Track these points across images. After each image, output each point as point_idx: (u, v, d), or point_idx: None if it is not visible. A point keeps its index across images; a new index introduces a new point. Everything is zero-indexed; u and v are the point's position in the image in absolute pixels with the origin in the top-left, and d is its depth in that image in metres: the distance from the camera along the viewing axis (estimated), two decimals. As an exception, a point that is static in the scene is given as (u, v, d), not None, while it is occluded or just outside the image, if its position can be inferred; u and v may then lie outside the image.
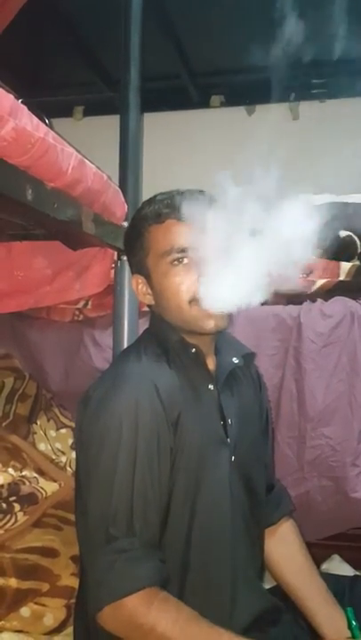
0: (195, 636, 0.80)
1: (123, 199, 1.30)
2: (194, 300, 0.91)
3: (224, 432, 0.96)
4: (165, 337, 0.97)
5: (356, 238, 1.65)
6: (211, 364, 1.01)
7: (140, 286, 1.00)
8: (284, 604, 1.02)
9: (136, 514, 0.83)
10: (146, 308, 1.48)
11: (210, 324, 0.92)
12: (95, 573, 0.83)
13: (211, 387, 0.98)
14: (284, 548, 1.08)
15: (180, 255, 0.92)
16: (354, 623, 0.95)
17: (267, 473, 1.09)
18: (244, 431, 0.99)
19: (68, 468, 1.54)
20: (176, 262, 0.92)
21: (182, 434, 0.89)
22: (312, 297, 1.61)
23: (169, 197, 0.94)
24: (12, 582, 1.14)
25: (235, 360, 1.02)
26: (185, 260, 0.92)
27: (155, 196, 0.98)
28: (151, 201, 0.97)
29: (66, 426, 1.66)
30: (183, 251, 0.91)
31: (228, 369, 1.00)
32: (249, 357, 1.08)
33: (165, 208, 0.93)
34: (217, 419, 0.96)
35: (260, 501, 1.03)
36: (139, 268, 0.99)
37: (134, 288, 1.01)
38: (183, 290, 0.91)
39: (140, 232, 0.96)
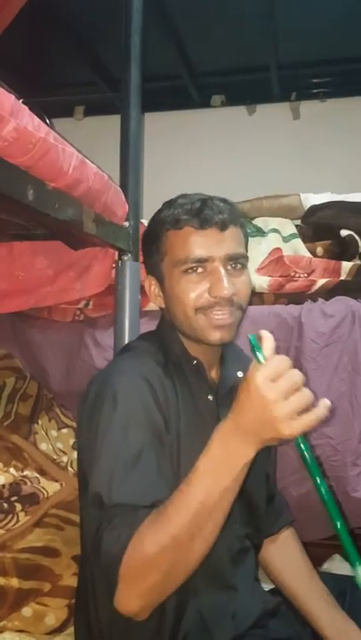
0: (165, 511, 0.73)
1: (124, 199, 1.30)
2: (200, 309, 0.90)
3: None
4: (169, 345, 0.96)
5: (357, 237, 1.65)
6: (214, 373, 1.00)
7: (152, 288, 0.99)
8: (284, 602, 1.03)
9: (123, 495, 0.77)
10: (147, 308, 1.48)
11: (215, 336, 0.91)
12: (102, 563, 0.75)
13: (210, 397, 0.97)
14: (285, 553, 1.09)
15: (194, 265, 0.90)
16: (257, 345, 0.76)
17: (267, 484, 1.08)
18: None
19: (70, 468, 1.54)
20: (190, 271, 0.91)
21: (178, 441, 0.88)
22: (313, 296, 1.61)
23: (190, 203, 0.92)
24: (14, 582, 1.14)
25: (239, 374, 0.99)
26: (199, 270, 0.91)
27: (176, 199, 0.96)
28: (171, 204, 0.96)
29: (67, 426, 1.66)
30: (198, 261, 0.90)
31: (230, 383, 0.98)
32: None
33: (185, 214, 0.91)
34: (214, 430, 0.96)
35: (259, 513, 1.02)
36: (153, 271, 0.98)
37: (147, 289, 1.00)
38: (192, 298, 0.90)
39: (158, 236, 0.95)
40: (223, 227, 0.91)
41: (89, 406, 0.87)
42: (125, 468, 0.78)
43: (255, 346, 0.74)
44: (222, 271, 0.90)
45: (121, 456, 0.79)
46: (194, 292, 0.90)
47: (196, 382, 0.96)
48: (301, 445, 0.73)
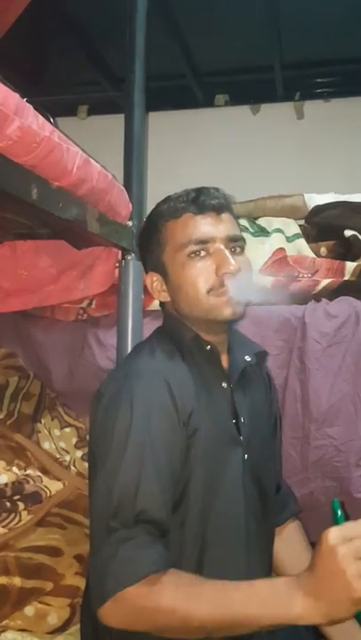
0: (200, 595, 0.75)
1: (127, 198, 1.30)
2: (212, 290, 0.92)
3: (237, 430, 0.96)
4: (180, 334, 0.97)
5: (361, 238, 1.65)
6: (224, 361, 1.01)
7: (155, 284, 1.00)
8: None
9: (140, 505, 0.80)
10: (151, 308, 1.48)
11: (228, 311, 0.93)
12: (97, 567, 0.80)
13: (224, 384, 0.98)
14: (290, 547, 1.09)
15: (197, 247, 0.93)
16: (339, 512, 0.93)
17: (275, 473, 1.09)
18: (255, 430, 1.00)
19: (72, 467, 1.54)
20: (193, 255, 0.93)
21: (195, 431, 0.89)
22: (317, 297, 1.60)
23: (185, 194, 0.97)
24: (16, 581, 1.14)
25: (247, 358, 1.03)
26: (202, 253, 0.93)
27: (169, 196, 1.00)
28: (167, 200, 1.00)
29: (70, 425, 1.66)
30: (201, 242, 0.93)
31: (241, 367, 1.01)
32: (262, 355, 1.09)
33: (181, 203, 0.96)
34: (230, 417, 0.97)
35: (270, 501, 1.03)
36: (154, 266, 1.00)
37: (149, 286, 1.02)
38: (201, 281, 0.93)
39: (157, 228, 0.98)
40: (220, 210, 0.95)
41: (104, 413, 0.88)
42: (156, 474, 0.82)
43: (336, 508, 0.90)
44: (225, 250, 0.93)
45: (146, 461, 0.82)
46: (202, 275, 0.93)
47: (209, 370, 0.97)
48: None
